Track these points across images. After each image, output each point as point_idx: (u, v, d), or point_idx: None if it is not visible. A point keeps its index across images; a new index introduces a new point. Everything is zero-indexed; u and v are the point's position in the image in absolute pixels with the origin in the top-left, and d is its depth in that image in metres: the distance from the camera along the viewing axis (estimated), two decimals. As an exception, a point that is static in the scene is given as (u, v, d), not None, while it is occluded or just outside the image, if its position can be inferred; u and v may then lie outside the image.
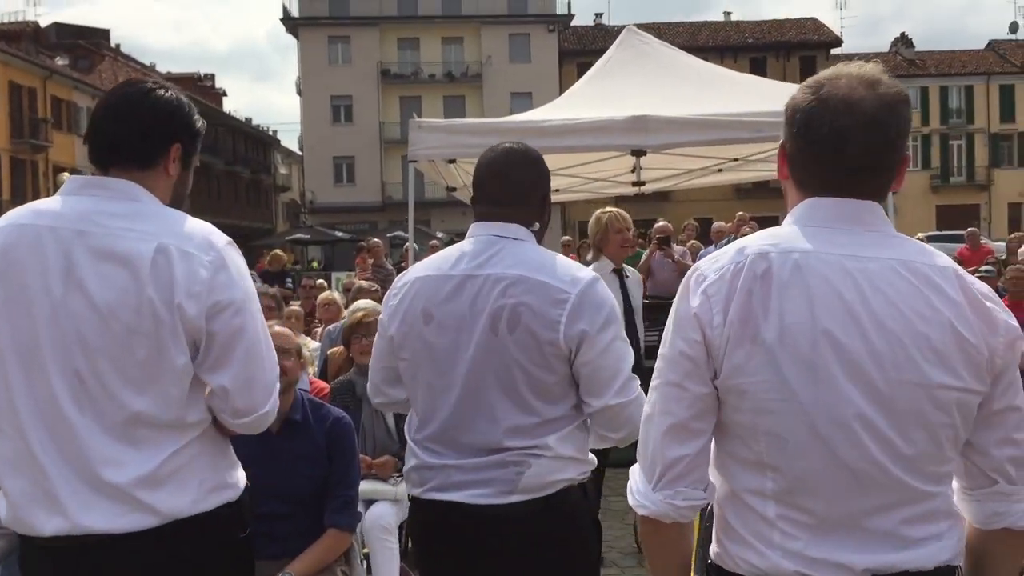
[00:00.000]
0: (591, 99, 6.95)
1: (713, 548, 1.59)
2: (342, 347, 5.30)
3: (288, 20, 44.40)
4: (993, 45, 50.38)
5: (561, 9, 45.09)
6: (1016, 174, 46.96)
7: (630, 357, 2.23)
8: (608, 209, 4.99)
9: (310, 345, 6.49)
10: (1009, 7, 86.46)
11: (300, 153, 50.35)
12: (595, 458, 2.33)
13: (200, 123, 2.09)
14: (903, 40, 49.85)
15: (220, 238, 1.95)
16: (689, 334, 1.50)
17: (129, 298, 1.81)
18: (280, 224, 57.82)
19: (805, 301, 1.42)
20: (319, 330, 7.01)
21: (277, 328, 3.21)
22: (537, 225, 2.31)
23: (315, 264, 31.84)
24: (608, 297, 2.22)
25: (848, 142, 1.47)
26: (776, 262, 1.45)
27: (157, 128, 1.98)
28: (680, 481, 1.53)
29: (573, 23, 45.78)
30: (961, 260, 11.67)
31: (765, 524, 1.48)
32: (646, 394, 1.65)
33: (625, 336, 2.24)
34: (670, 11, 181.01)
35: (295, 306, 7.35)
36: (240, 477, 2.09)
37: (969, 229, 14.10)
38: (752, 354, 1.44)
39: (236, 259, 1.95)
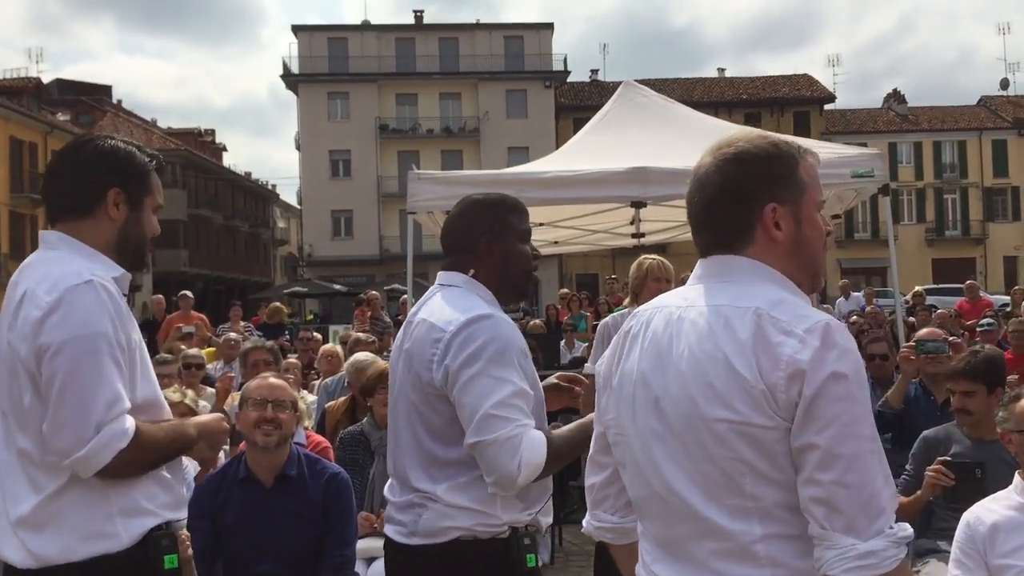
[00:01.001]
0: (590, 151, 6.96)
1: None
2: (342, 400, 5.25)
3: (288, 76, 44.92)
4: (985, 101, 50.98)
5: (557, 66, 45.68)
6: (1011, 228, 47.19)
7: (497, 394, 2.12)
8: (652, 256, 4.90)
9: (307, 399, 6.41)
10: (999, 64, 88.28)
11: (299, 207, 50.55)
12: (522, 517, 2.23)
13: (145, 162, 2.17)
14: (896, 96, 50.43)
15: (75, 279, 1.96)
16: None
17: (2, 341, 1.98)
18: (278, 277, 57.88)
19: (638, 350, 1.64)
20: (316, 383, 6.93)
21: (272, 380, 3.15)
22: (472, 271, 2.33)
23: (310, 316, 31.74)
24: (485, 333, 2.16)
25: (690, 206, 1.68)
26: (638, 319, 1.69)
27: (90, 177, 2.10)
28: (596, 506, 1.83)
29: (569, 79, 46.32)
30: (960, 313, 11.62)
31: (639, 538, 1.70)
32: None
33: (503, 375, 2.14)
34: (665, 68, 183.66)
35: (292, 359, 7.27)
36: (135, 527, 2.01)
37: (968, 282, 14.05)
38: (608, 396, 1.71)
39: (81, 300, 1.94)
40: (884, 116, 47.86)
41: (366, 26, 46.59)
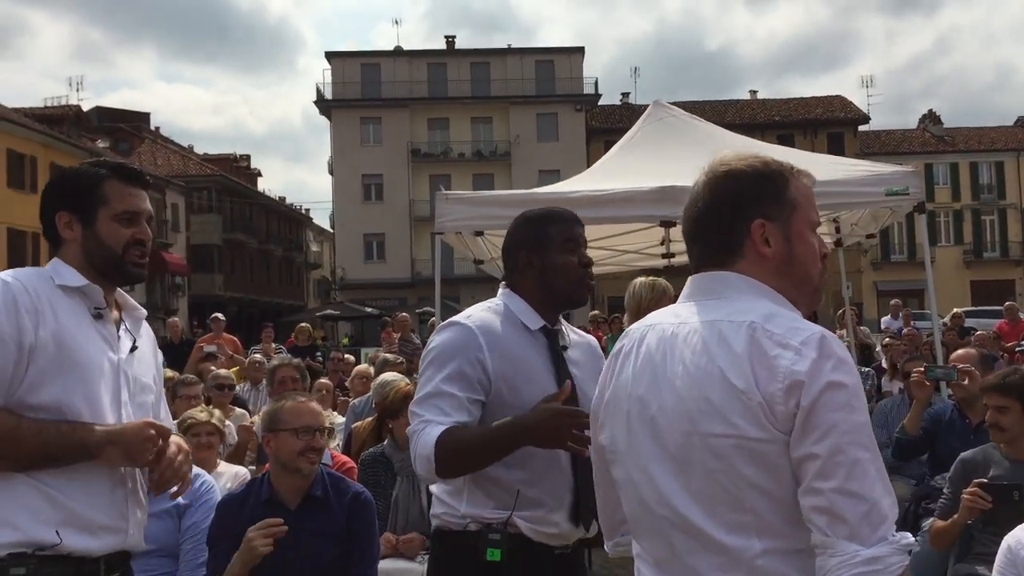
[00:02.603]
0: (619, 171, 6.93)
1: None
2: (368, 420, 5.21)
3: (321, 102, 45.44)
4: (1022, 121, 50.31)
5: (588, 89, 45.81)
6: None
7: (419, 392, 2.30)
8: (642, 279, 4.82)
9: (336, 420, 6.40)
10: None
11: (331, 231, 50.97)
12: (488, 514, 2.31)
13: (94, 174, 2.23)
14: (931, 117, 49.92)
15: None
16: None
17: None
18: (311, 301, 58.25)
19: (631, 368, 1.67)
20: (345, 403, 6.92)
21: (313, 405, 3.15)
22: (506, 283, 2.47)
23: (346, 340, 31.91)
24: (437, 338, 2.35)
25: (683, 220, 1.72)
26: (630, 338, 1.72)
27: (45, 209, 2.24)
28: (614, 531, 1.95)
29: (600, 102, 46.43)
30: (1000, 335, 11.41)
31: (635, 559, 1.70)
32: None
33: (431, 376, 2.29)
34: (696, 90, 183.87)
35: (324, 380, 7.27)
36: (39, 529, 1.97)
37: (1007, 303, 13.81)
38: (604, 415, 1.73)
39: None
40: (920, 137, 47.37)
41: (398, 52, 47.09)
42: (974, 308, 26.95)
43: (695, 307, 1.63)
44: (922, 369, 4.66)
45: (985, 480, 3.37)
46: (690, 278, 1.70)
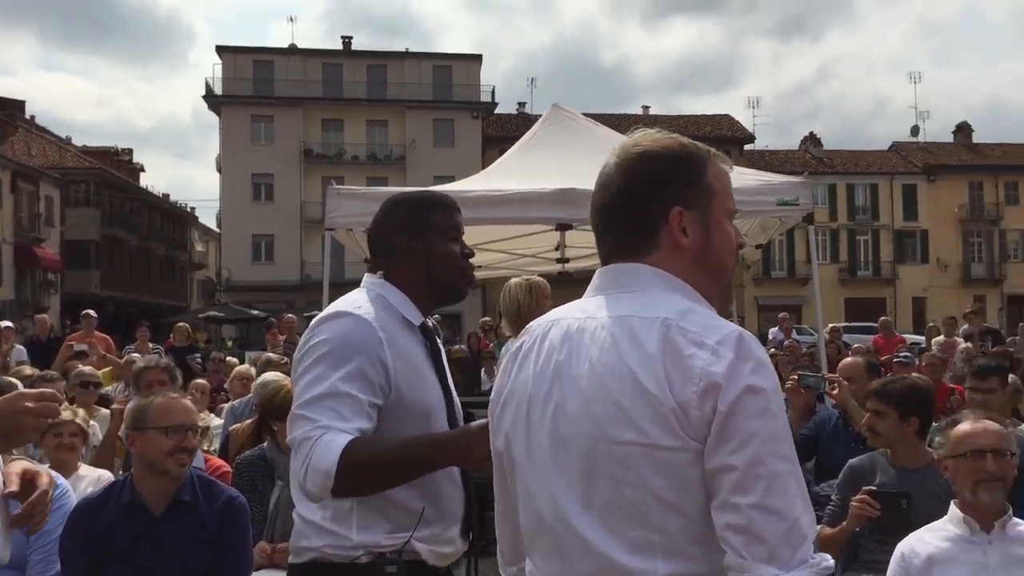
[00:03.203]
0: (516, 172, 6.84)
1: None
2: (248, 423, 4.95)
3: (211, 97, 44.11)
4: (896, 147, 52.93)
5: (485, 97, 45.90)
6: (919, 270, 48.90)
7: (309, 393, 1.92)
8: (534, 277, 4.69)
9: (213, 422, 6.08)
10: (911, 112, 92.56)
11: (218, 230, 49.48)
12: (386, 541, 1.99)
13: None
14: (812, 139, 52.02)
15: None
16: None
17: None
18: (194, 302, 56.43)
19: (531, 367, 1.50)
20: (224, 407, 6.59)
21: (184, 402, 2.89)
22: (381, 272, 2.18)
23: (230, 343, 30.94)
24: (327, 332, 1.99)
25: (591, 209, 1.56)
26: (531, 334, 1.55)
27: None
28: (519, 559, 1.63)
29: (497, 111, 46.57)
30: (877, 349, 11.86)
31: None
32: None
33: (324, 374, 1.93)
34: (591, 103, 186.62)
35: (201, 381, 6.92)
36: None
37: (882, 319, 14.43)
38: (499, 417, 1.55)
39: None
40: (801, 158, 49.24)
41: (293, 49, 46.17)
42: (848, 324, 28.07)
43: (604, 301, 1.47)
44: (796, 377, 4.84)
45: (874, 488, 3.38)
46: (599, 270, 1.54)
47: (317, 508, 1.99)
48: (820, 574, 1.27)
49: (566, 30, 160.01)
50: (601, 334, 1.41)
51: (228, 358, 10.15)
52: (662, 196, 1.48)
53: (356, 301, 2.07)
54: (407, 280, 2.15)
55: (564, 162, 6.58)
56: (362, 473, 1.84)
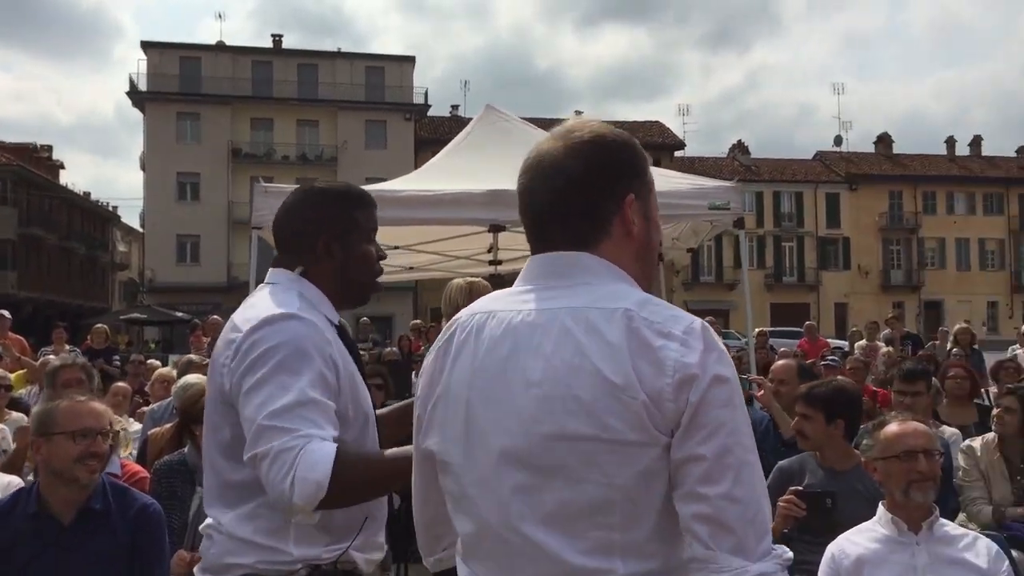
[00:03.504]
0: (449, 172, 6.76)
1: None
2: (167, 427, 4.76)
3: (135, 94, 42.99)
4: (820, 156, 54.29)
5: (418, 99, 45.66)
6: (841, 276, 50.24)
7: (277, 402, 1.76)
8: (476, 279, 4.59)
9: (131, 427, 5.86)
10: (835, 122, 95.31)
11: (141, 230, 48.20)
12: (326, 554, 1.89)
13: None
14: (740, 147, 53.04)
15: None
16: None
17: None
18: (116, 303, 54.88)
19: (469, 362, 1.40)
20: (144, 411, 6.36)
21: (93, 405, 2.72)
22: (300, 268, 2.03)
23: (152, 346, 30.16)
24: (279, 335, 1.83)
25: (530, 195, 1.46)
26: (461, 327, 1.45)
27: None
28: (436, 544, 1.60)
29: (430, 113, 46.36)
30: (803, 352, 12.09)
31: None
32: None
33: (288, 382, 1.79)
34: (524, 108, 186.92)
35: (121, 384, 6.66)
36: None
37: (807, 324, 14.73)
38: (429, 418, 1.45)
39: None
40: (729, 165, 50.14)
41: (221, 47, 45.29)
42: (773, 328, 28.62)
43: (548, 292, 1.39)
44: None
45: (800, 488, 3.40)
46: (535, 259, 1.45)
47: (247, 522, 1.86)
48: (783, 565, 1.27)
49: (500, 35, 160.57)
50: (552, 327, 1.33)
51: (149, 360, 9.86)
52: (618, 184, 1.43)
53: (287, 301, 1.93)
54: (323, 278, 2.04)
55: (497, 163, 6.51)
56: (354, 483, 1.75)
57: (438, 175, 6.88)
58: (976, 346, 11.25)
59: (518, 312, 1.39)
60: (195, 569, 1.97)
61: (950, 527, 2.86)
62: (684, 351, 1.27)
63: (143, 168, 43.58)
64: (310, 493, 1.68)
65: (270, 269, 2.08)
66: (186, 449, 3.86)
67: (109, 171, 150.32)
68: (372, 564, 1.99)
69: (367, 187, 6.69)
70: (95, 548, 2.57)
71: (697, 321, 1.33)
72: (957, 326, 11.19)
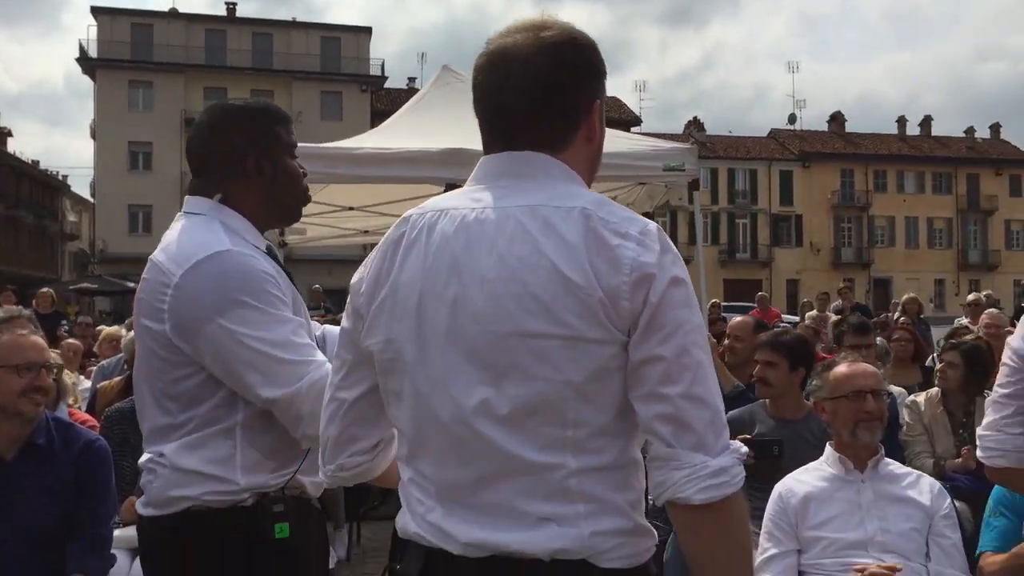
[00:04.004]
0: (406, 132, 6.69)
1: None
2: (117, 379, 4.71)
3: (85, 61, 41.99)
4: (774, 134, 54.82)
5: (375, 70, 45.19)
6: (793, 252, 50.93)
7: (278, 334, 1.79)
8: None
9: (81, 384, 5.78)
10: (789, 101, 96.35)
11: (92, 200, 47.22)
12: (273, 480, 1.86)
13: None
14: (695, 124, 53.30)
15: None
16: (347, 307, 1.49)
17: None
18: (66, 274, 53.80)
19: (420, 260, 1.37)
20: (93, 369, 6.26)
21: (34, 338, 2.66)
22: (219, 195, 1.96)
23: (104, 316, 29.64)
24: (230, 271, 1.81)
25: (493, 90, 1.41)
26: (412, 225, 1.41)
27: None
28: (343, 448, 1.52)
29: (386, 85, 45.92)
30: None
31: (406, 488, 1.42)
32: None
33: (273, 311, 1.80)
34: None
35: (72, 341, 6.57)
36: None
37: (759, 295, 14.99)
38: (374, 316, 1.41)
39: None
40: (684, 141, 50.35)
41: (174, 14, 44.34)
42: (727, 303, 28.97)
43: (502, 191, 1.36)
44: None
45: (748, 436, 3.45)
46: (489, 158, 1.43)
47: (191, 452, 1.82)
48: (740, 459, 1.30)
49: (458, 9, 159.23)
50: (508, 225, 1.32)
51: (102, 327, 9.69)
52: (588, 88, 1.42)
53: (214, 239, 1.86)
54: (248, 202, 1.97)
55: (454, 123, 6.46)
56: None
57: (394, 135, 6.82)
58: (923, 316, 11.48)
59: (471, 210, 1.36)
60: (137, 504, 1.93)
61: (894, 466, 2.92)
62: (641, 251, 1.28)
63: (93, 137, 42.69)
64: None
65: (187, 197, 2.00)
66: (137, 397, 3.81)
67: (59, 140, 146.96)
68: (319, 488, 1.97)
69: (323, 147, 6.65)
70: (39, 484, 2.53)
71: (653, 224, 1.33)
72: (905, 296, 11.40)
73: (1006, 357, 1.92)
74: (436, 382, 1.34)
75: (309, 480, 1.93)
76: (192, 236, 1.88)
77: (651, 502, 1.35)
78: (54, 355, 2.81)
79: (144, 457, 1.91)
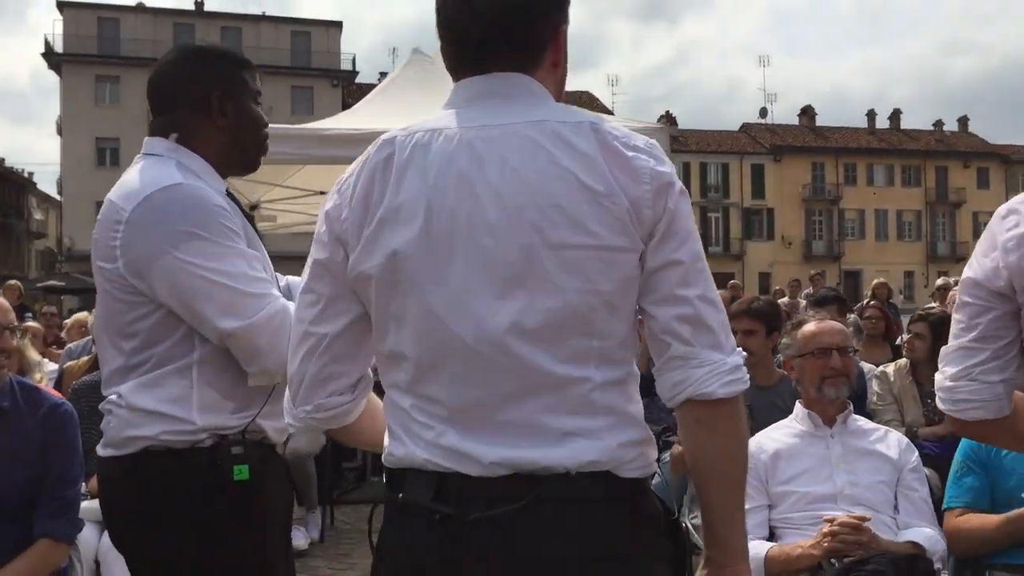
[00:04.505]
0: (377, 114, 6.66)
1: None
2: (84, 359, 4.68)
3: (51, 56, 41.47)
4: (746, 128, 55.17)
5: (346, 65, 45.03)
6: (765, 246, 51.31)
7: (234, 267, 1.79)
8: None
9: (48, 367, 5.70)
10: (760, 95, 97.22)
11: (59, 198, 46.64)
12: (232, 421, 1.85)
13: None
14: (668, 118, 53.42)
15: None
16: (321, 237, 1.43)
17: None
18: (33, 272, 53.10)
19: (421, 177, 1.33)
20: (60, 352, 6.19)
21: None
22: (175, 135, 1.93)
23: (71, 314, 29.30)
24: (179, 203, 1.79)
25: (461, 14, 1.39)
26: (399, 146, 1.37)
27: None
28: (321, 386, 1.45)
29: (358, 80, 45.72)
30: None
31: (406, 416, 1.37)
32: None
33: (226, 243, 1.79)
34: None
35: (34, 324, 6.48)
36: None
37: (731, 282, 15.11)
38: (369, 239, 1.35)
39: None
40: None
41: (141, 8, 43.90)
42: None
43: (492, 111, 1.34)
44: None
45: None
46: (465, 81, 1.41)
47: (148, 391, 1.81)
48: (743, 358, 1.37)
49: (429, 3, 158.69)
50: (515, 140, 1.31)
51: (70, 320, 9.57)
52: (556, 11, 1.43)
53: (166, 174, 1.84)
54: (209, 143, 1.94)
55: (425, 104, 6.44)
56: None
57: (365, 117, 6.79)
58: (892, 301, 11.60)
59: (468, 128, 1.34)
60: (98, 447, 1.91)
61: (863, 422, 2.95)
62: (654, 162, 1.32)
63: (60, 133, 42.20)
64: None
65: (146, 138, 1.97)
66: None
67: (25, 138, 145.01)
68: (282, 434, 1.94)
69: (292, 128, 6.60)
70: (3, 447, 2.49)
71: (650, 139, 1.37)
72: (875, 281, 11.51)
73: (965, 296, 1.66)
74: (453, 300, 1.30)
75: (272, 426, 1.90)
76: (145, 174, 1.87)
77: None
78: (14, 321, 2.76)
79: (104, 402, 1.89)
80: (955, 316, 1.69)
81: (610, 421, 1.31)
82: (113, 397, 1.86)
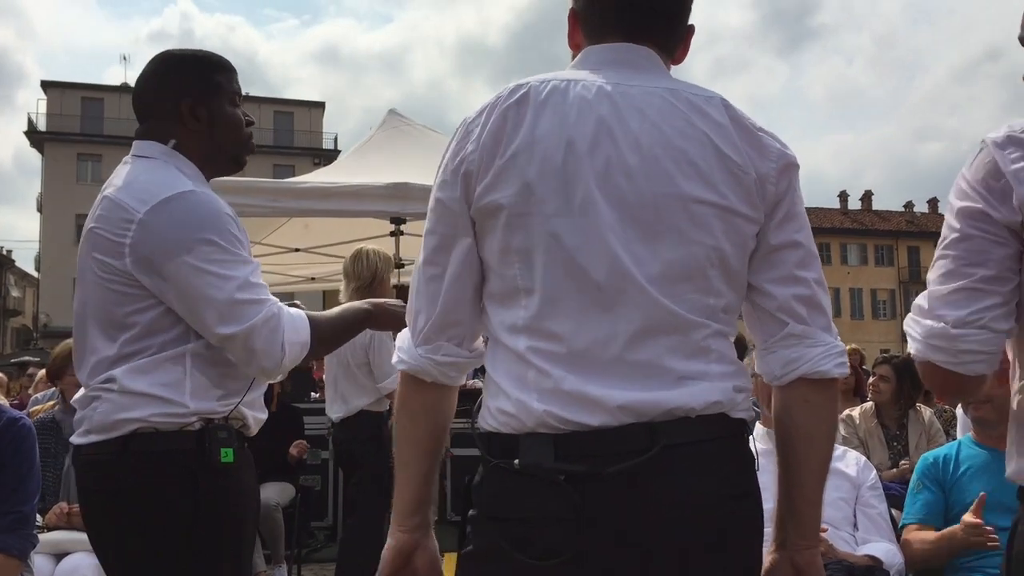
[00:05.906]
0: (352, 170, 6.78)
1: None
2: (48, 404, 4.64)
3: (34, 134, 41.83)
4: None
5: (328, 144, 45.62)
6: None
7: (238, 275, 1.85)
8: (374, 247, 4.67)
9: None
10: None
11: (36, 275, 46.43)
12: (218, 407, 1.90)
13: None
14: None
15: None
16: (444, 175, 1.40)
17: None
18: (8, 349, 52.45)
19: (558, 116, 1.33)
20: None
21: None
22: (173, 141, 1.99)
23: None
24: (194, 211, 1.86)
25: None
26: (534, 88, 1.37)
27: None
28: (439, 334, 1.42)
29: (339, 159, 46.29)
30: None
31: (520, 364, 1.33)
32: None
33: (233, 253, 1.86)
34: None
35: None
36: None
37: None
38: (502, 169, 1.33)
39: None
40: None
41: (125, 88, 44.42)
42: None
43: (626, 75, 1.38)
44: None
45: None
46: (596, 47, 1.45)
47: (143, 376, 1.84)
48: None
49: (415, 88, 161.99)
50: (653, 99, 1.35)
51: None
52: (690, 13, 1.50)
53: (175, 179, 1.90)
54: (192, 148, 2.01)
55: (399, 160, 6.60)
56: (325, 338, 1.99)
57: (342, 173, 6.90)
58: (865, 367, 11.68)
59: (603, 83, 1.36)
60: (75, 435, 1.92)
61: (821, 442, 2.97)
62: (778, 143, 1.39)
63: (40, 210, 42.24)
64: (297, 353, 1.88)
65: (135, 141, 2.02)
66: (54, 407, 3.80)
67: (4, 218, 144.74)
68: (258, 423, 2.02)
69: (266, 182, 6.68)
70: (-40, 460, 2.47)
71: None
72: (848, 346, 11.64)
73: (968, 228, 1.45)
74: (589, 236, 1.30)
75: (251, 413, 1.99)
76: (153, 176, 1.91)
77: None
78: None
79: (90, 388, 1.89)
80: (949, 252, 1.48)
81: (723, 368, 1.35)
82: (102, 383, 1.86)
